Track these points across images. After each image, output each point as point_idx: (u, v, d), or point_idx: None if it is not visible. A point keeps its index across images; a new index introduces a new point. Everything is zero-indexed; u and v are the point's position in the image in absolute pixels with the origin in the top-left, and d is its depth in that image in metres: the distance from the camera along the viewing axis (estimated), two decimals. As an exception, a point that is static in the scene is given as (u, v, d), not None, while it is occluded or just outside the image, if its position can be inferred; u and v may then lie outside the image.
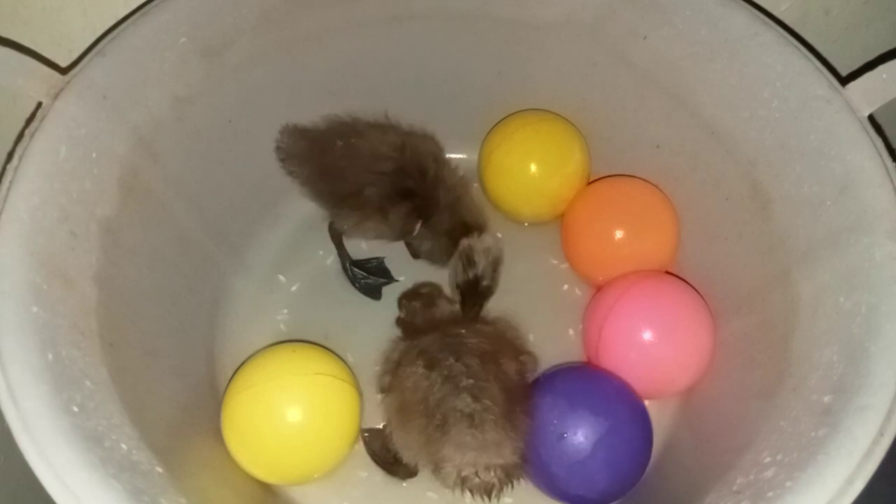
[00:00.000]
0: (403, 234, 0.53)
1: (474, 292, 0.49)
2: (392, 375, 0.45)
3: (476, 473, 0.41)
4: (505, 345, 0.46)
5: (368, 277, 0.55)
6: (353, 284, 0.55)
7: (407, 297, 0.52)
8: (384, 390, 0.46)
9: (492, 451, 0.41)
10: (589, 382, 0.47)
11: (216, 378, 0.51)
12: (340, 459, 0.47)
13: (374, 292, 0.55)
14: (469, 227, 0.52)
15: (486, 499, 0.42)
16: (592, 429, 0.44)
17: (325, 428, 0.45)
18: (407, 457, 0.45)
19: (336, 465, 0.47)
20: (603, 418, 0.44)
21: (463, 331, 0.45)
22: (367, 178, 0.50)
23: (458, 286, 0.50)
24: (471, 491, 0.42)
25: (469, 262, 0.49)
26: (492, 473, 0.41)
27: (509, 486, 0.42)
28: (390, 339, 0.49)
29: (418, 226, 0.52)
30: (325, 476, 0.48)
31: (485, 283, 0.49)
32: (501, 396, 0.42)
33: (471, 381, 0.42)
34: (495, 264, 0.50)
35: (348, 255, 0.55)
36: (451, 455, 0.41)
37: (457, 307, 0.50)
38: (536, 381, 0.49)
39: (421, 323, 0.50)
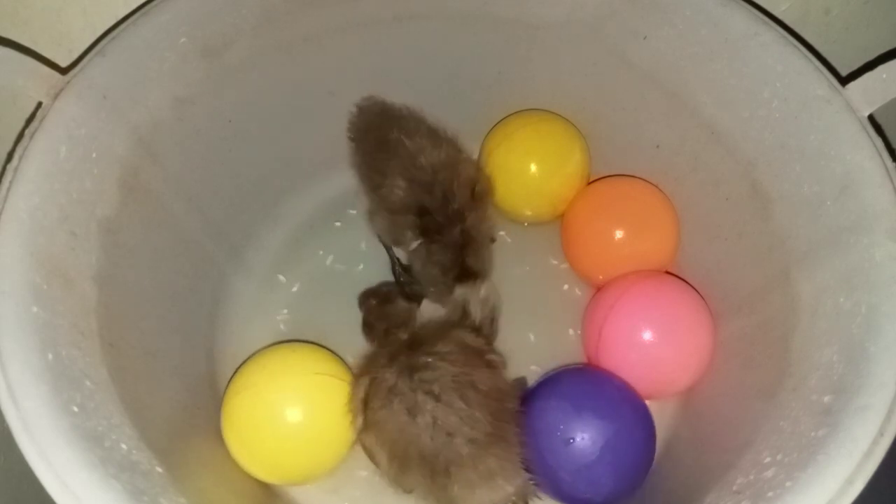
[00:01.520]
0: (398, 243, 0.52)
1: None
2: (363, 415, 0.44)
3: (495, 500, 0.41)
4: (471, 355, 0.45)
5: (416, 283, 0.54)
6: (400, 287, 0.54)
7: (365, 295, 0.52)
8: (359, 431, 0.44)
9: (499, 479, 0.41)
10: (593, 385, 0.47)
11: (216, 378, 0.51)
12: (340, 459, 0.47)
13: (419, 297, 0.54)
14: (468, 271, 0.50)
15: None
16: (599, 432, 0.44)
17: (326, 428, 0.45)
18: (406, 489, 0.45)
19: (336, 465, 0.47)
20: (609, 421, 0.44)
21: (429, 360, 0.43)
22: (397, 179, 0.50)
23: None
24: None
25: (465, 314, 0.49)
26: (510, 502, 0.41)
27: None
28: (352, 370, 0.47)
29: (416, 243, 0.51)
30: (325, 476, 0.48)
31: (484, 332, 0.48)
32: (489, 420, 0.42)
33: (457, 420, 0.41)
34: (493, 314, 0.49)
35: (398, 258, 0.55)
36: (462, 495, 0.41)
37: (412, 306, 0.50)
38: (540, 383, 0.49)
39: (376, 321, 0.49)
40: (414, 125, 0.52)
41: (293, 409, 0.44)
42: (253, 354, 0.48)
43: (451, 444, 0.41)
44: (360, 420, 0.44)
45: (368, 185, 0.53)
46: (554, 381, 0.48)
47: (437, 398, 0.41)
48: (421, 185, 0.49)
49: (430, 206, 0.49)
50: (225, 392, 0.46)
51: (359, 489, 0.49)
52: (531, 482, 0.43)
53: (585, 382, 0.48)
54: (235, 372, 0.47)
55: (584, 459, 0.44)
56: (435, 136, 0.52)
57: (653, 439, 0.47)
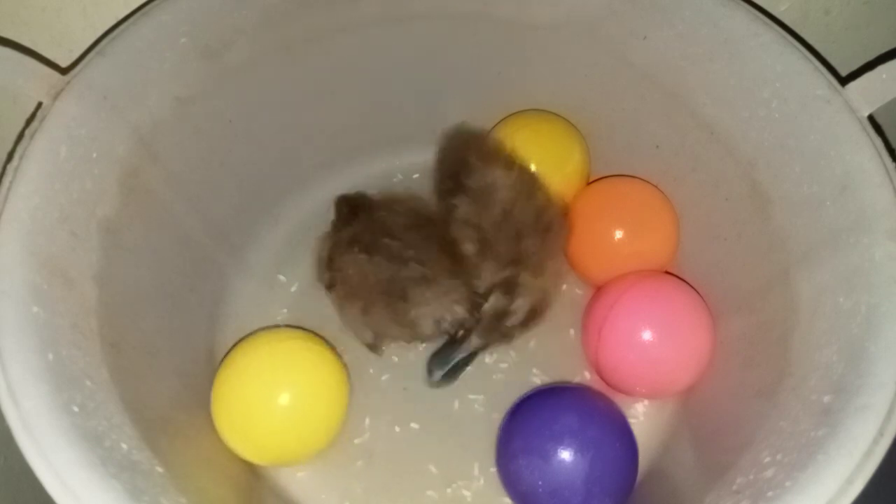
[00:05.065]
0: None
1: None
2: (329, 270, 0.49)
3: (447, 312, 0.46)
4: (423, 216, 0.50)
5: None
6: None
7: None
8: (328, 287, 0.49)
9: (451, 296, 0.46)
10: (553, 423, 0.45)
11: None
12: (332, 437, 0.48)
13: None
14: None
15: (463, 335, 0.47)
16: (579, 470, 0.43)
17: (315, 405, 0.46)
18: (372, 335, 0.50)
19: (328, 444, 0.48)
20: (583, 454, 0.43)
21: (385, 214, 0.49)
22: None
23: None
24: (449, 333, 0.47)
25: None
26: (459, 308, 0.46)
27: (477, 315, 0.47)
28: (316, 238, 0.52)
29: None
30: (316, 456, 0.48)
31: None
32: (441, 251, 0.47)
33: (411, 251, 0.46)
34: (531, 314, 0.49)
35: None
36: (420, 315, 0.46)
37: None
38: (501, 439, 0.47)
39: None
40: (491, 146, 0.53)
41: (283, 389, 0.45)
42: (242, 338, 0.48)
43: (406, 267, 0.46)
44: (326, 277, 0.49)
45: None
46: (514, 435, 0.46)
47: (392, 236, 0.47)
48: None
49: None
50: (215, 378, 0.47)
51: (356, 482, 0.49)
52: (478, 318, 0.47)
53: (545, 426, 0.45)
54: (226, 355, 0.47)
55: (577, 499, 0.43)
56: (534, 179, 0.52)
57: (634, 450, 0.46)
